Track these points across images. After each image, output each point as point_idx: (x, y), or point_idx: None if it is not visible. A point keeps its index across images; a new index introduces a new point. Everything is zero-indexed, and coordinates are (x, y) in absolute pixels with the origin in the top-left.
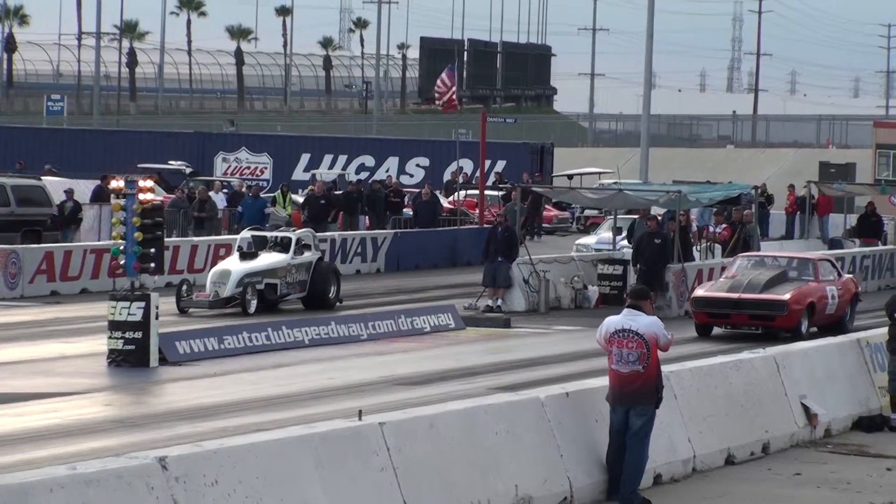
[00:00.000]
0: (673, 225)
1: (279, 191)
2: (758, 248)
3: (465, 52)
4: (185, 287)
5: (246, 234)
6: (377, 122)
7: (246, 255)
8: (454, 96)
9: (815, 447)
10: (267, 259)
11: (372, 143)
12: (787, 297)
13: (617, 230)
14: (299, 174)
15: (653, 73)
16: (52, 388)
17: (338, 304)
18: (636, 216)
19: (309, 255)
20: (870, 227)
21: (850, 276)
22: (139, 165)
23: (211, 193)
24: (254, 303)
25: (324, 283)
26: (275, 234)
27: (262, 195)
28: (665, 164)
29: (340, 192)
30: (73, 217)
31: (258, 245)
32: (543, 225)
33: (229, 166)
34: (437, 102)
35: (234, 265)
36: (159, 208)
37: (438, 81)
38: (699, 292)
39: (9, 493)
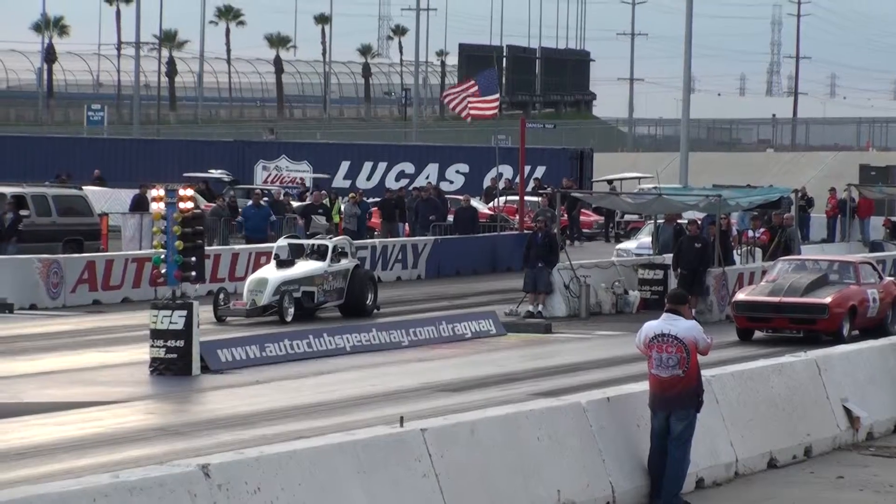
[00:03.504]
0: (713, 229)
1: (327, 198)
2: (798, 251)
3: (504, 59)
4: (221, 295)
5: (283, 241)
6: (416, 129)
7: (283, 263)
8: (491, 104)
9: (858, 450)
10: (304, 267)
11: (412, 150)
12: (828, 300)
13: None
14: (339, 181)
15: (692, 78)
16: (94, 396)
17: (375, 311)
18: (661, 220)
19: (346, 263)
20: None
21: (892, 278)
22: (185, 175)
23: (250, 202)
24: (291, 311)
25: (361, 291)
26: (312, 241)
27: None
28: (705, 168)
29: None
30: (13, 229)
31: (295, 253)
32: (583, 230)
33: (269, 174)
34: (467, 112)
35: (271, 273)
36: (200, 217)
37: (471, 90)
38: (740, 296)
39: (52, 502)
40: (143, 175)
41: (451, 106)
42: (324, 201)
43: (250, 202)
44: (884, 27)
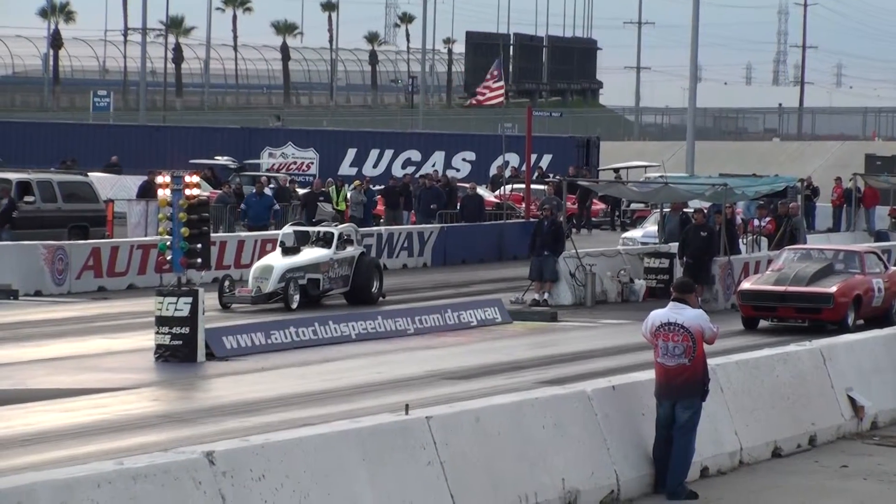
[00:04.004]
0: (719, 218)
1: (333, 185)
2: (804, 240)
3: (511, 47)
4: (227, 283)
5: (288, 229)
6: (423, 117)
7: (288, 251)
8: (501, 92)
9: (862, 439)
10: (309, 254)
11: (418, 138)
12: (833, 289)
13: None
14: (346, 169)
15: (698, 67)
16: (100, 383)
17: (381, 298)
18: (667, 209)
19: (351, 250)
20: None
21: None
22: (190, 161)
23: (254, 190)
24: (296, 298)
25: (366, 278)
26: (317, 229)
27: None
28: (711, 157)
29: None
30: (7, 216)
31: (301, 240)
32: (591, 219)
33: (276, 161)
34: (482, 100)
35: (276, 260)
36: (205, 204)
37: (488, 81)
38: (745, 285)
39: (56, 488)
40: (148, 161)
41: (483, 97)
42: (329, 189)
43: (254, 190)
44: (890, 17)
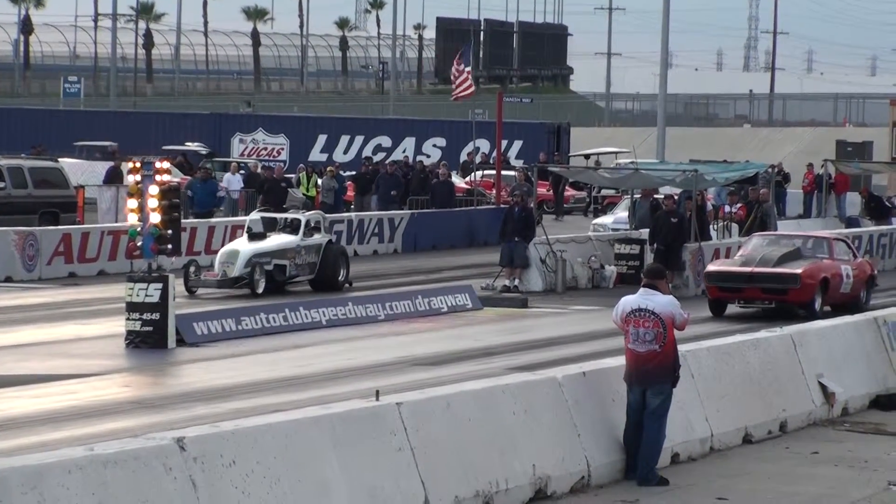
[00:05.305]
0: (690, 204)
1: (304, 172)
2: (775, 227)
3: (482, 33)
4: (192, 268)
5: (256, 214)
6: (394, 103)
7: (255, 236)
8: (469, 82)
9: (833, 426)
10: (276, 240)
11: (389, 124)
12: (800, 270)
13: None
14: (316, 155)
15: (669, 53)
16: (70, 369)
17: (346, 286)
18: (638, 195)
19: (319, 237)
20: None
21: (867, 258)
22: (163, 147)
23: (227, 175)
24: (262, 283)
25: (333, 266)
26: (285, 215)
27: (211, 176)
28: (682, 143)
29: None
30: None
31: (268, 226)
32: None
33: (246, 147)
34: (457, 94)
35: (242, 245)
36: (176, 190)
37: (454, 72)
38: (712, 267)
39: (26, 474)
40: (120, 147)
41: (457, 87)
42: (300, 175)
43: (199, 174)
44: (861, 3)
